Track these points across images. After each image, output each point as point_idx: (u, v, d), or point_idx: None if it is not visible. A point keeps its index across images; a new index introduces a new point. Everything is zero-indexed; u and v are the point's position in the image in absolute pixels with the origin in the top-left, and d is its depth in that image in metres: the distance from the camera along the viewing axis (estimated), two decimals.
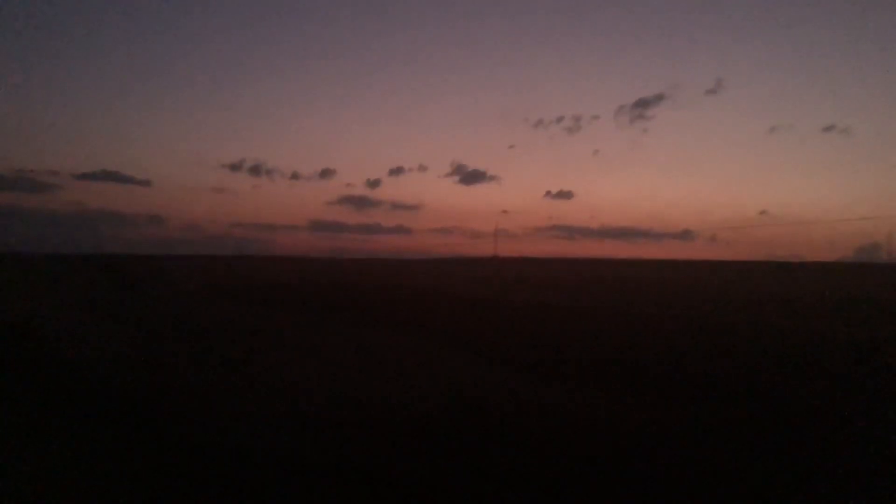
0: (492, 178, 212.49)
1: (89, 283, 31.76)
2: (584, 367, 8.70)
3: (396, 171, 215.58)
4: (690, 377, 8.07)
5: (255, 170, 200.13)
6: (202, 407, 6.46)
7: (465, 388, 7.31)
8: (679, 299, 23.23)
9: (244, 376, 7.98)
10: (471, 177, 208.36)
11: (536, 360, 9.24)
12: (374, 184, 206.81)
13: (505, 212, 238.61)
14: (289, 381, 7.68)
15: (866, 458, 4.88)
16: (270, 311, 17.05)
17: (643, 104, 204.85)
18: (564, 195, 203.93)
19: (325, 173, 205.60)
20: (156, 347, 10.30)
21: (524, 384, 7.64)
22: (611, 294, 26.27)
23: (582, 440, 5.30)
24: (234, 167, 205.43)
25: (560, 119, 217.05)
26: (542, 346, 10.69)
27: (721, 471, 4.60)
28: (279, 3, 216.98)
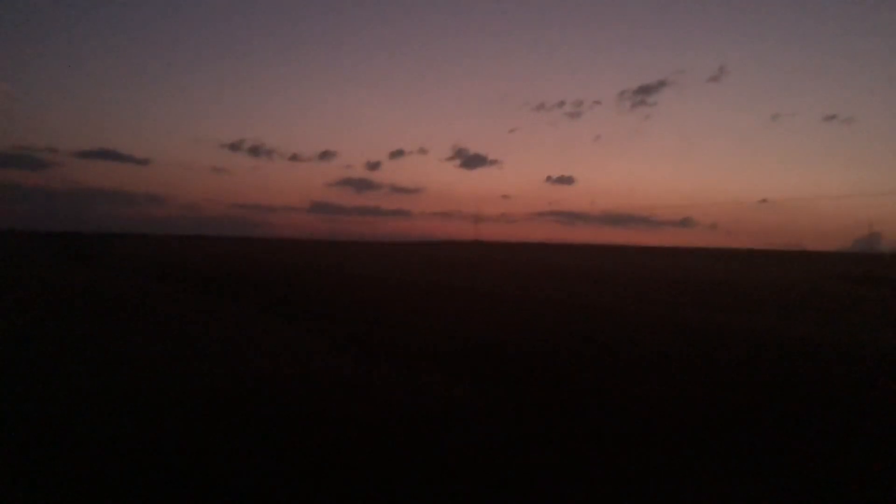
0: (493, 162, 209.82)
1: (38, 257, 31.71)
2: (432, 350, 8.41)
3: (397, 153, 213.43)
4: (527, 360, 7.82)
5: (255, 150, 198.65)
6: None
7: (290, 364, 7.42)
8: (599, 286, 22.75)
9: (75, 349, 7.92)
10: (472, 161, 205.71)
11: (388, 342, 8.95)
12: (374, 166, 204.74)
13: (505, 196, 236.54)
14: (121, 356, 7.64)
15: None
16: (178, 291, 16.74)
17: (645, 90, 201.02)
18: (565, 180, 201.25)
19: (325, 155, 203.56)
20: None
21: (356, 364, 7.53)
22: (536, 280, 25.86)
23: (381, 415, 5.37)
24: (234, 147, 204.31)
25: (561, 104, 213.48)
26: (408, 328, 10.31)
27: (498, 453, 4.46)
28: None
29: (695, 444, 4.84)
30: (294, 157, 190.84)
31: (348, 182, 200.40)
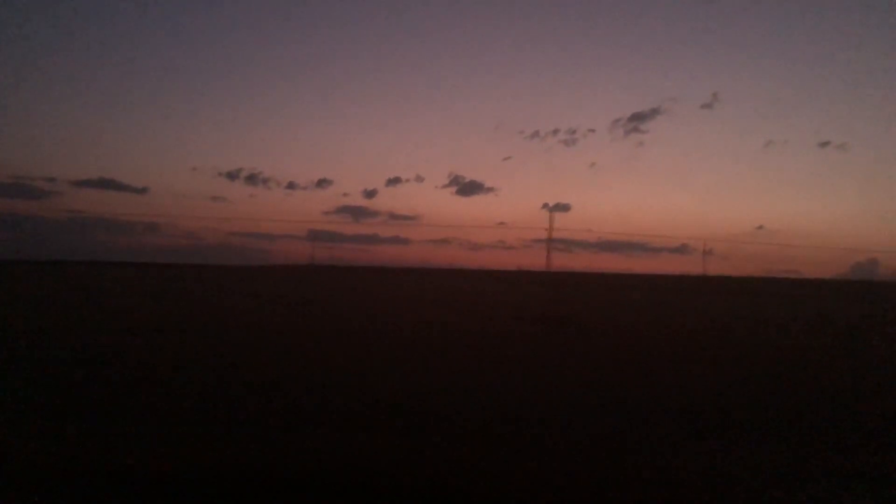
0: (488, 189, 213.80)
1: None
2: None
3: (393, 181, 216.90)
4: None
5: (252, 179, 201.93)
6: None
7: None
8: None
9: None
10: (468, 188, 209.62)
11: None
12: (370, 194, 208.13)
13: (501, 223, 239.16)
14: None
15: None
16: None
17: (639, 118, 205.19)
18: (561, 207, 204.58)
19: (322, 183, 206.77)
20: None
21: None
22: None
23: None
24: (231, 176, 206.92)
25: (555, 132, 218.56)
26: None
27: None
28: (276, 12, 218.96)
29: None
30: (291, 186, 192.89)
31: (346, 209, 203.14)
